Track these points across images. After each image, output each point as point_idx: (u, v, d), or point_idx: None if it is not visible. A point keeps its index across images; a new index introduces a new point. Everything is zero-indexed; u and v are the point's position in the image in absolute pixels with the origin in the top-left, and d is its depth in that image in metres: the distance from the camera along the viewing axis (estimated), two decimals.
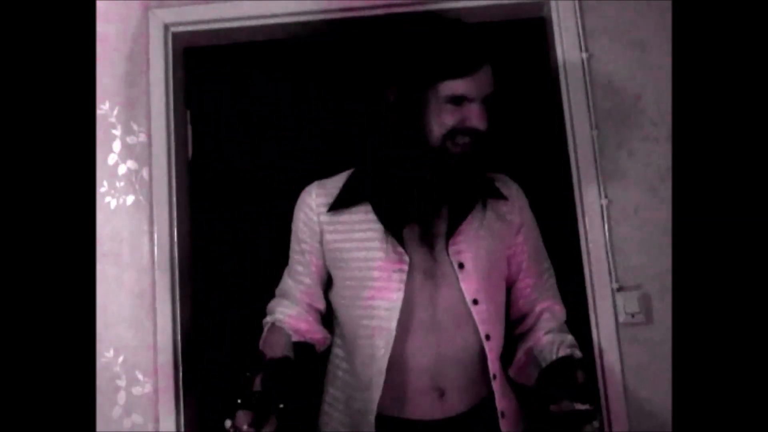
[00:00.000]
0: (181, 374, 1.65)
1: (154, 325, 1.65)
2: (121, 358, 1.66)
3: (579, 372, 1.15)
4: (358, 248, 1.25)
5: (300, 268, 1.34)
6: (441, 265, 1.23)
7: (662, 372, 1.58)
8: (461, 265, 1.23)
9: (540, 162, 1.80)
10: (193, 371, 1.72)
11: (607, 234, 1.65)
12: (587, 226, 1.65)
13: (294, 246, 1.37)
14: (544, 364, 1.22)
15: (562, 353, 1.23)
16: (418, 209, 1.21)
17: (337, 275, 1.30)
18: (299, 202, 1.35)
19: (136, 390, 1.65)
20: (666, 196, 1.65)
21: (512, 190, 1.36)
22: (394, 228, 1.22)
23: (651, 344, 1.61)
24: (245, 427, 1.04)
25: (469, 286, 1.22)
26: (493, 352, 1.23)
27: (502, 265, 1.31)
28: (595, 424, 1.06)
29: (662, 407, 1.57)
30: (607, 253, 1.64)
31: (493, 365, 1.23)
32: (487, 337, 1.22)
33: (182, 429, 1.64)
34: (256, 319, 1.42)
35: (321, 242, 1.30)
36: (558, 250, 1.60)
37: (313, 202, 1.31)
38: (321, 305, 1.35)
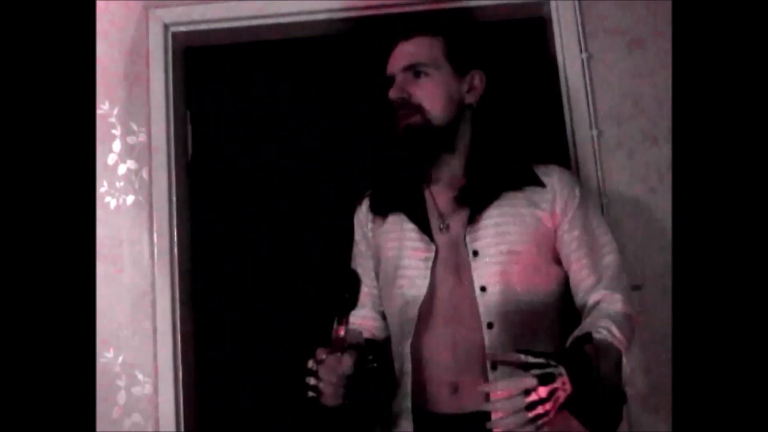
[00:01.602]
0: (181, 374, 1.65)
1: (154, 325, 1.65)
2: (121, 358, 1.66)
3: (589, 345, 1.10)
4: (391, 239, 1.32)
5: (360, 270, 1.37)
6: (461, 254, 1.26)
7: (662, 372, 1.58)
8: (475, 253, 1.23)
9: (540, 162, 1.80)
10: (193, 371, 1.72)
11: None
12: None
13: (354, 250, 1.44)
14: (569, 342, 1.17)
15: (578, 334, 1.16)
16: (401, 190, 1.32)
17: (380, 272, 1.35)
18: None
19: (136, 390, 1.65)
20: (666, 196, 1.65)
21: (553, 177, 1.30)
22: (416, 217, 1.29)
23: (651, 344, 1.61)
24: (324, 356, 1.12)
25: (480, 273, 1.22)
26: (494, 340, 1.19)
27: (534, 254, 1.25)
28: (534, 371, 1.00)
29: (662, 407, 1.57)
30: None
31: (494, 354, 1.19)
32: (489, 325, 1.20)
33: (182, 429, 1.64)
34: (256, 318, 1.42)
35: (368, 241, 1.39)
36: None
37: (363, 206, 1.42)
38: (382, 307, 1.39)
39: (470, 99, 1.33)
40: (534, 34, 1.85)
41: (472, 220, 1.25)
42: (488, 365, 1.19)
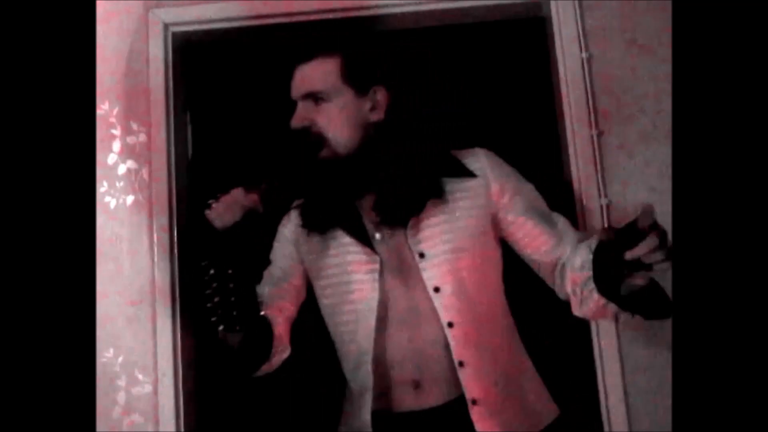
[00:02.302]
0: (181, 374, 1.65)
1: (154, 324, 1.65)
2: (121, 358, 1.66)
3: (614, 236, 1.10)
4: (332, 256, 1.28)
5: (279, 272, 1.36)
6: (406, 258, 1.24)
7: (662, 372, 1.58)
8: (422, 255, 1.23)
9: (540, 162, 1.80)
10: (193, 371, 1.72)
11: None
12: (587, 226, 1.65)
13: (275, 254, 1.41)
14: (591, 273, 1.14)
15: (594, 246, 1.15)
16: (332, 207, 1.27)
17: (323, 290, 1.32)
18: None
19: (136, 390, 1.65)
20: (666, 196, 1.65)
21: (482, 162, 1.29)
22: (356, 230, 1.26)
23: (651, 344, 1.61)
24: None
25: (430, 274, 1.22)
26: (457, 339, 1.20)
27: (480, 245, 1.26)
28: (658, 256, 0.99)
29: (662, 407, 1.57)
30: None
31: (459, 352, 1.20)
32: (450, 324, 1.21)
33: (182, 429, 1.64)
34: None
35: (296, 256, 1.36)
36: None
37: (293, 220, 1.37)
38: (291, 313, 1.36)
39: (375, 116, 1.26)
40: (534, 34, 1.85)
41: (407, 223, 1.24)
42: (456, 363, 1.20)
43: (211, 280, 1.13)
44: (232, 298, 1.13)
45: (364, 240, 1.26)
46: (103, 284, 1.67)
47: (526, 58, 1.85)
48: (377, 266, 1.24)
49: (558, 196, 1.75)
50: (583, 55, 1.71)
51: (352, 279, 1.26)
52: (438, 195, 1.25)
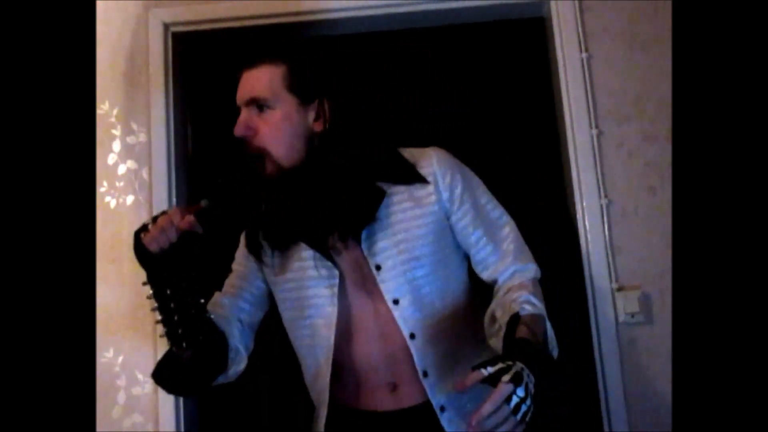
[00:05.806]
0: None
1: (154, 325, 1.65)
2: (121, 358, 1.66)
3: (520, 326, 1.08)
4: (291, 270, 1.26)
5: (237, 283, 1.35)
6: (364, 270, 1.22)
7: (662, 372, 1.58)
8: (378, 267, 1.21)
9: (540, 162, 1.80)
10: None
11: (607, 234, 1.65)
12: (587, 226, 1.65)
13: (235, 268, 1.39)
14: (503, 330, 1.13)
15: (511, 313, 1.14)
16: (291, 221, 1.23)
17: (282, 305, 1.31)
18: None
19: (136, 390, 1.65)
20: (666, 196, 1.66)
21: (432, 166, 1.25)
22: (317, 244, 1.22)
23: (651, 344, 1.61)
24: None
25: (387, 286, 1.20)
26: (419, 350, 1.19)
27: (436, 252, 1.23)
28: (505, 378, 0.94)
29: (662, 407, 1.57)
30: (607, 253, 1.64)
31: (422, 363, 1.19)
32: (412, 336, 1.19)
33: (182, 429, 1.64)
34: None
35: (255, 270, 1.34)
36: (558, 250, 1.60)
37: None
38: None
39: (319, 126, 1.21)
40: (534, 34, 1.85)
41: (362, 236, 1.21)
42: (420, 374, 1.19)
43: (153, 299, 1.13)
44: (175, 317, 1.12)
45: (324, 253, 1.22)
46: (103, 284, 1.67)
47: (525, 58, 1.85)
48: (336, 281, 1.21)
49: (558, 196, 1.76)
50: (583, 55, 1.72)
51: (310, 294, 1.23)
52: (386, 205, 1.21)
